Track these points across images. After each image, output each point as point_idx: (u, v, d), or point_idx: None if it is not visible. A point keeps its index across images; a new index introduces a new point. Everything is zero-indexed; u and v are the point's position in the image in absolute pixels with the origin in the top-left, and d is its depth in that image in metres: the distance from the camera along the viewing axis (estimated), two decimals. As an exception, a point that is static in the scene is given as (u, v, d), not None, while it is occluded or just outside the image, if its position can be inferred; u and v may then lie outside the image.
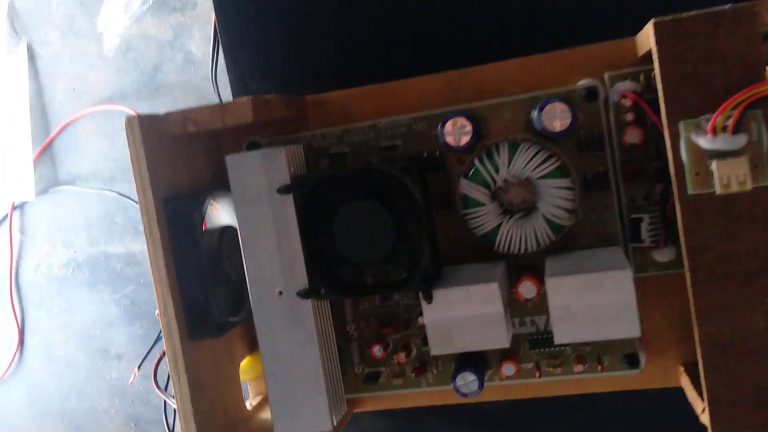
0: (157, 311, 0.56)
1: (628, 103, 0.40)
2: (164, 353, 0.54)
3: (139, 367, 0.75)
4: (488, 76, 0.44)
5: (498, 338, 0.38)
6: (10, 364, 0.90)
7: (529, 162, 0.40)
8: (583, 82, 0.41)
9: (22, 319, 0.90)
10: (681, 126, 0.34)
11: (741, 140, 0.33)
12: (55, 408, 0.90)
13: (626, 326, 0.36)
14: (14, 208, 0.88)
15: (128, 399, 0.88)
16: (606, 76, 0.41)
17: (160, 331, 0.64)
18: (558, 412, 0.50)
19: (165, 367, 0.55)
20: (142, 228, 0.89)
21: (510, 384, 0.44)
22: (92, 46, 0.84)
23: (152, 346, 0.80)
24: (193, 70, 0.81)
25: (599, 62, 0.42)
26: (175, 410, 0.56)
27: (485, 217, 0.41)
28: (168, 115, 0.42)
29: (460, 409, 0.50)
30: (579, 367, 0.42)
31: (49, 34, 0.87)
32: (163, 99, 0.81)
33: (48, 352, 0.89)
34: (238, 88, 0.53)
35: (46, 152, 0.87)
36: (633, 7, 0.43)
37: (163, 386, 0.54)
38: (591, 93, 0.40)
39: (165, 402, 0.62)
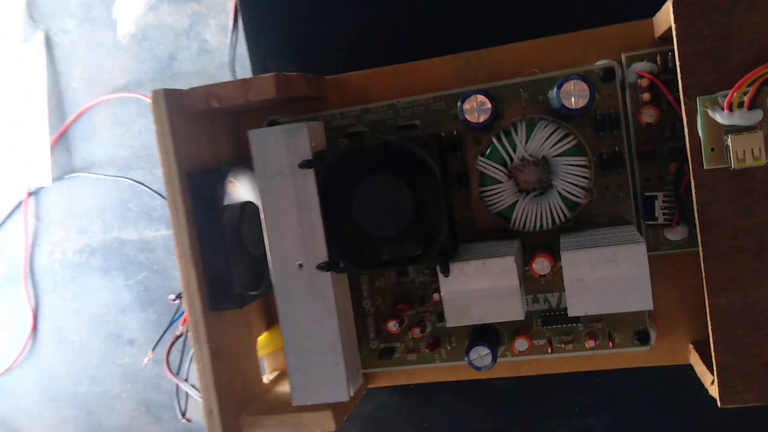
0: (170, 296, 0.56)
1: (644, 83, 0.41)
2: (177, 338, 0.55)
3: (153, 349, 0.75)
4: (506, 56, 0.45)
5: (513, 310, 0.39)
6: (23, 349, 0.91)
7: (546, 140, 0.41)
8: (601, 63, 0.42)
9: (36, 305, 0.90)
10: (698, 102, 0.35)
11: (757, 116, 0.34)
12: (67, 392, 0.90)
13: (639, 299, 0.36)
14: (30, 194, 0.89)
15: (140, 384, 0.88)
16: (623, 57, 0.42)
17: (173, 317, 0.65)
18: (568, 389, 0.51)
19: (177, 353, 0.56)
20: (156, 215, 0.89)
21: (522, 360, 0.45)
22: (108, 35, 0.85)
23: (165, 331, 0.80)
24: (209, 59, 0.81)
25: (616, 43, 0.43)
26: (186, 394, 0.57)
27: (502, 195, 0.42)
28: (192, 91, 0.43)
29: (473, 385, 0.51)
30: (590, 343, 0.42)
31: (66, 23, 0.87)
32: (179, 87, 0.82)
33: (61, 337, 0.89)
34: (258, 68, 0.54)
35: (61, 139, 0.87)
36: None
37: (174, 371, 0.55)
38: (608, 73, 0.41)
39: (177, 386, 0.62)
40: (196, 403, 0.63)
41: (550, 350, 0.43)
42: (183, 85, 0.81)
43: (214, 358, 0.42)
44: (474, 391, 0.53)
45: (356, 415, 0.55)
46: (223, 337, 0.43)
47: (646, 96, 0.41)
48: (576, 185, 0.41)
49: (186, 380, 0.56)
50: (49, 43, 0.89)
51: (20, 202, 0.89)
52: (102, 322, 0.88)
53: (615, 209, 0.42)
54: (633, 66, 0.41)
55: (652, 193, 0.41)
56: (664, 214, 0.41)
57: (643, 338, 0.42)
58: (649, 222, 0.41)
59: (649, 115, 0.41)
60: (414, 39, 0.52)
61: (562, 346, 0.43)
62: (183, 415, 0.67)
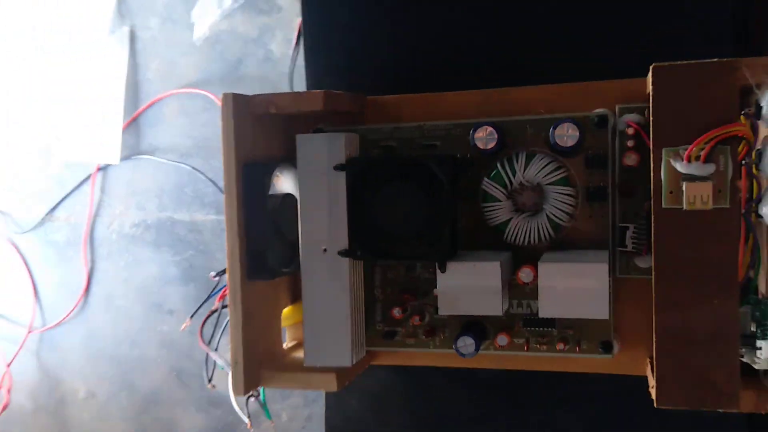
0: (211, 273, 0.64)
1: (631, 131, 0.48)
2: (212, 312, 0.62)
3: (191, 317, 0.82)
4: (521, 96, 0.52)
5: (493, 307, 0.46)
6: (74, 307, 0.98)
7: (541, 170, 0.48)
8: (597, 111, 0.49)
9: (91, 269, 0.98)
10: (663, 152, 0.42)
11: (709, 169, 0.41)
12: (108, 352, 0.97)
13: (597, 309, 0.44)
14: (98, 169, 0.96)
15: (174, 351, 0.94)
16: (617, 107, 0.49)
17: (211, 292, 0.72)
18: (541, 386, 0.58)
19: (210, 326, 0.63)
20: (207, 201, 0.96)
21: (502, 354, 0.52)
22: (186, 35, 0.91)
23: (202, 304, 0.87)
24: (271, 66, 0.89)
25: (613, 96, 0.49)
26: (215, 363, 0.64)
27: (499, 211, 0.50)
28: (255, 97, 0.51)
29: (460, 372, 0.58)
30: (561, 346, 0.49)
31: (149, 20, 0.94)
32: (242, 89, 0.89)
33: (109, 301, 0.96)
34: (312, 82, 0.63)
35: (133, 123, 0.95)
36: (649, 52, 0.50)
37: (206, 342, 0.62)
38: (602, 120, 0.48)
39: (207, 355, 0.69)
40: (223, 373, 0.70)
41: (526, 348, 0.51)
42: (246, 87, 0.89)
43: (245, 319, 0.50)
44: (462, 378, 0.59)
45: (357, 389, 0.62)
46: (254, 303, 0.51)
47: (630, 142, 0.48)
48: (562, 210, 0.48)
49: (216, 350, 0.63)
50: (132, 37, 0.96)
51: (89, 176, 0.97)
52: (147, 292, 0.95)
53: (595, 236, 0.49)
54: (624, 116, 0.48)
55: (625, 225, 0.48)
56: (633, 243, 0.48)
57: (606, 347, 0.49)
58: (621, 249, 0.48)
59: (631, 159, 0.48)
60: (445, 74, 0.59)
61: (538, 346, 0.51)
62: (209, 381, 0.74)
